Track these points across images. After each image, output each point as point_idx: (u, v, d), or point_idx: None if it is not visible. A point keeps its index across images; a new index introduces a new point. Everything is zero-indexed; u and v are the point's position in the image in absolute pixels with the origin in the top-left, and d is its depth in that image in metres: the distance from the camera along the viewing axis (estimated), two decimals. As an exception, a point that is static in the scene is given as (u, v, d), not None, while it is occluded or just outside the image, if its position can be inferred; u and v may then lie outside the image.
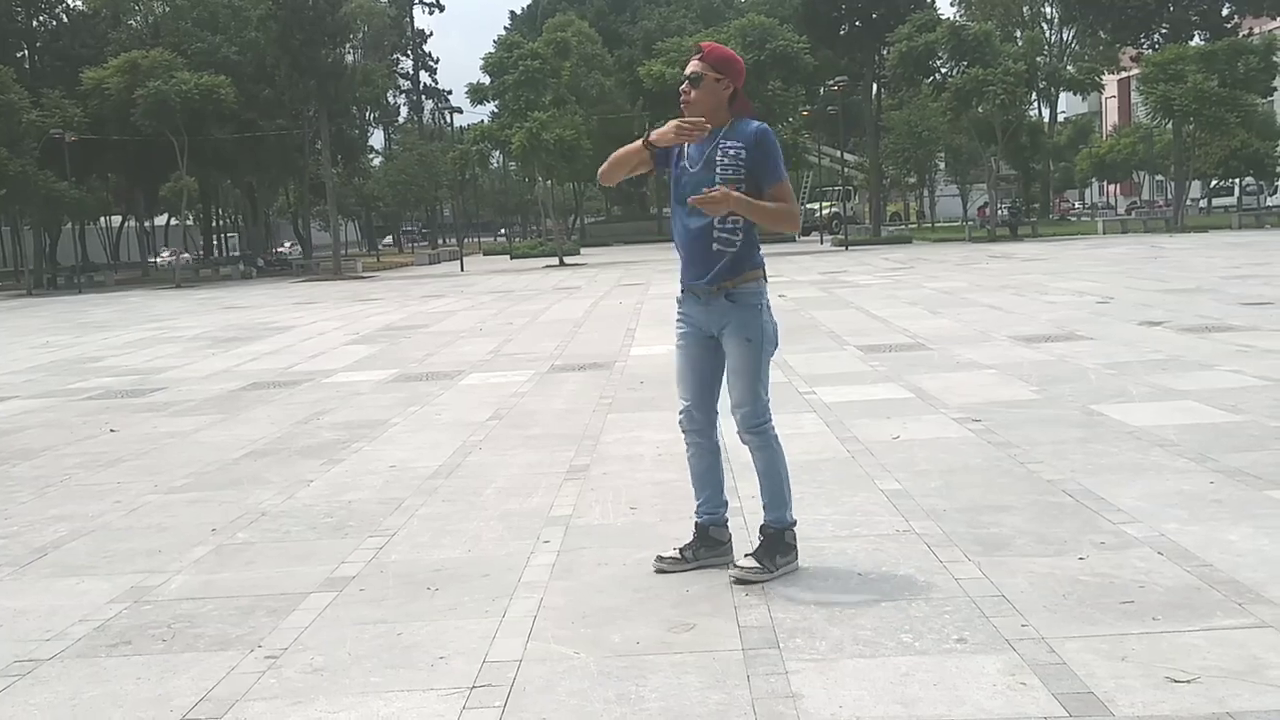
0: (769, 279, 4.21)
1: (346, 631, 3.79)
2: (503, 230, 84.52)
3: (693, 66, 4.12)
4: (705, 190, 3.92)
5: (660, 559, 4.26)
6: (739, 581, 4.03)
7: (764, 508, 4.17)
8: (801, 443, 6.35)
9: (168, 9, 44.94)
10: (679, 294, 4.26)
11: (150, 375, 11.84)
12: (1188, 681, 3.02)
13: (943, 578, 3.97)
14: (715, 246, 4.06)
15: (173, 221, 57.34)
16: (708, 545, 4.27)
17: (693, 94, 4.08)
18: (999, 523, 4.60)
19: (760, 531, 4.17)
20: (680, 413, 4.28)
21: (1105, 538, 4.32)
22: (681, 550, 4.26)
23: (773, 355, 4.19)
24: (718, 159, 4.03)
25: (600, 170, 4.29)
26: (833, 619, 3.63)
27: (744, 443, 4.18)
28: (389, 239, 76.34)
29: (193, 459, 7.04)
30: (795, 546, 4.17)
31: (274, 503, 5.70)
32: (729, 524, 4.34)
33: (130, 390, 10.72)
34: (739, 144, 4.03)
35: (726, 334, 4.11)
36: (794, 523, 4.18)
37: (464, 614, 3.89)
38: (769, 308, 4.16)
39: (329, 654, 3.59)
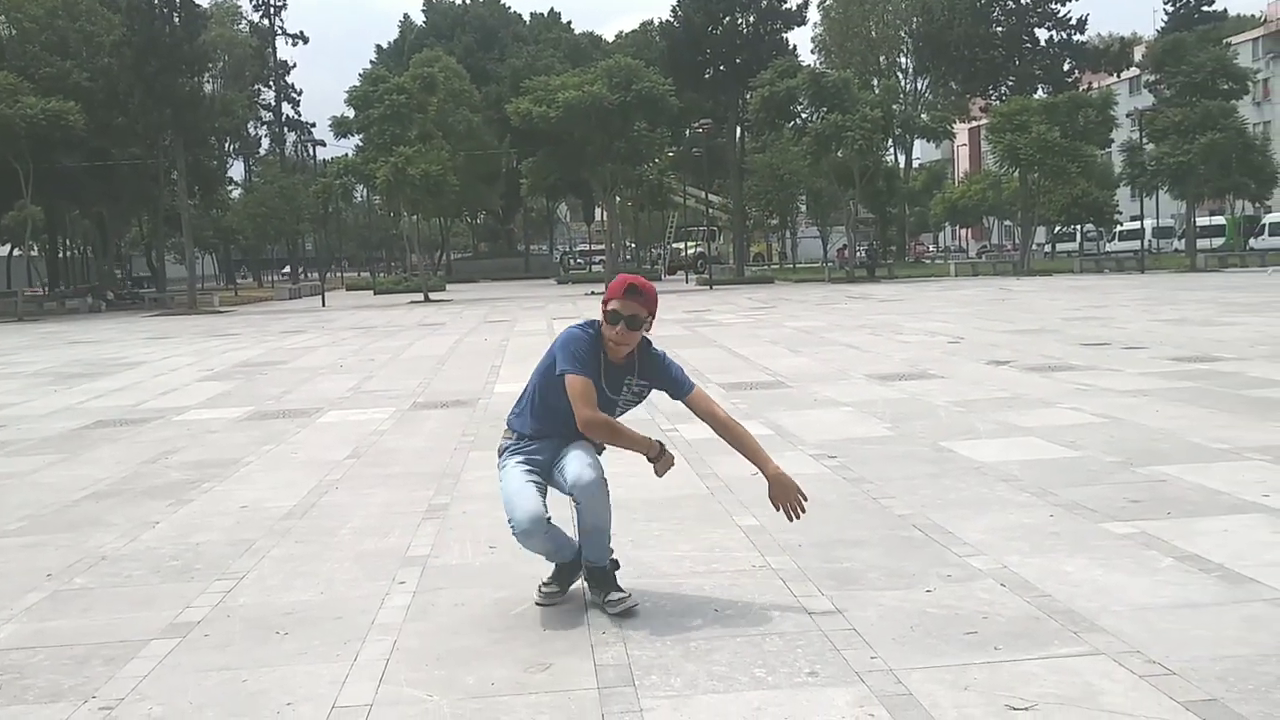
0: None
1: (188, 679, 3.64)
2: (349, 266, 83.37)
3: (631, 308, 4.07)
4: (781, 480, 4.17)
5: (545, 594, 4.28)
6: (624, 608, 4.09)
7: (591, 555, 4.21)
8: (662, 479, 6.37)
9: (14, 31, 43.14)
10: (521, 438, 4.23)
11: (-14, 413, 11.25)
12: (1026, 709, 3.12)
13: (796, 612, 4.04)
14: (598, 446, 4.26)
15: (15, 252, 54.80)
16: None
17: (631, 338, 4.13)
18: (852, 557, 4.70)
19: (591, 573, 4.24)
20: (518, 532, 4.03)
21: (952, 570, 4.46)
22: (556, 580, 4.32)
23: None
24: (624, 395, 4.23)
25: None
26: (688, 655, 3.65)
27: (586, 499, 4.08)
28: (244, 274, 74.47)
29: (29, 500, 6.70)
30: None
31: (116, 546, 5.46)
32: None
33: (-37, 429, 10.16)
34: (644, 382, 4.26)
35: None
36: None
37: (314, 658, 3.79)
38: None
39: (169, 703, 3.45)
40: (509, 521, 4.05)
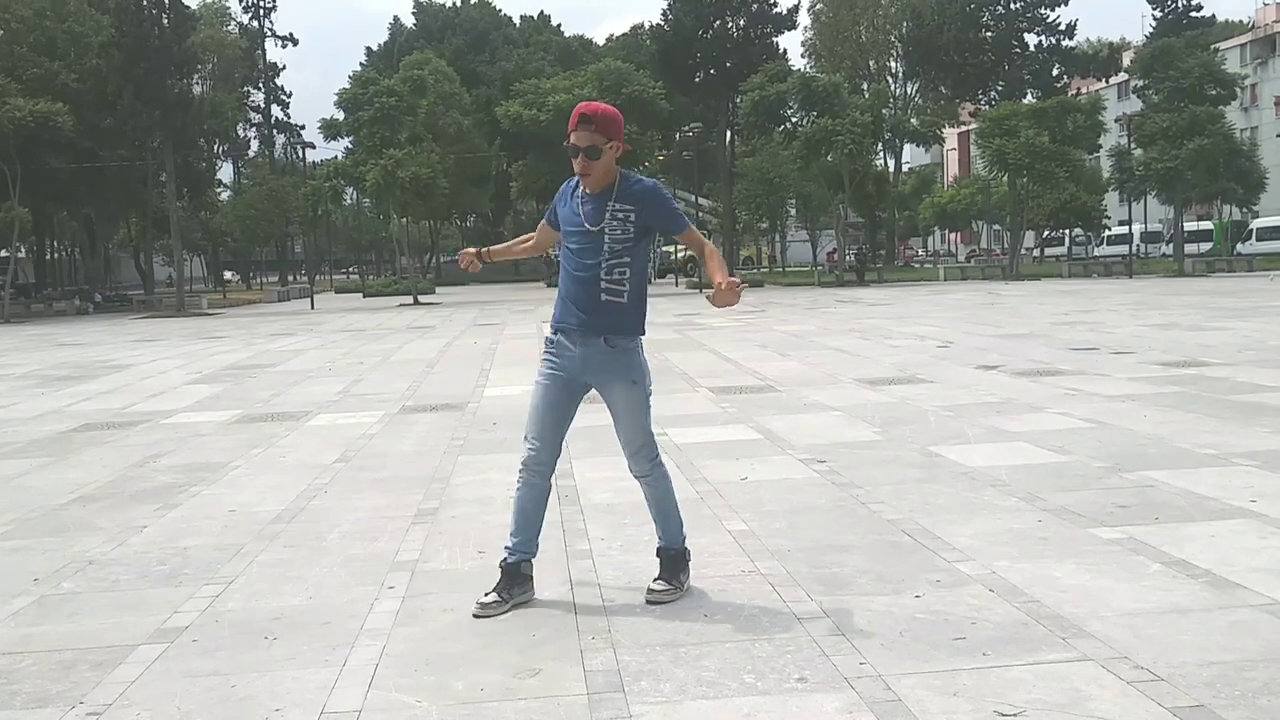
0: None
1: (176, 685, 3.63)
2: (350, 268, 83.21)
3: (586, 138, 4.05)
4: (721, 287, 3.99)
5: (482, 605, 4.21)
6: (655, 603, 4.21)
7: (661, 534, 4.39)
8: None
9: (1, 33, 42.97)
10: (550, 334, 4.28)
11: (-28, 415, 11.20)
12: (1014, 715, 3.13)
13: (786, 617, 4.04)
14: (603, 297, 4.16)
15: (3, 253, 54.58)
16: (519, 583, 4.29)
17: (592, 167, 4.08)
18: (841, 562, 4.71)
19: (660, 555, 4.38)
20: (529, 450, 4.26)
21: (940, 575, 4.46)
22: (499, 592, 4.25)
23: (650, 393, 4.35)
24: (607, 222, 4.12)
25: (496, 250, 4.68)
26: (678, 660, 3.65)
27: (640, 479, 4.33)
28: (231, 274, 74.31)
29: (15, 504, 6.67)
30: (689, 560, 4.42)
31: (103, 550, 5.44)
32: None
33: (-51, 431, 10.11)
34: (629, 206, 4.12)
35: (607, 382, 4.24)
36: (686, 539, 4.43)
37: (302, 663, 3.78)
38: (643, 348, 4.35)
39: (156, 709, 3.44)
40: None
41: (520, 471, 4.29)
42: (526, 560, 4.34)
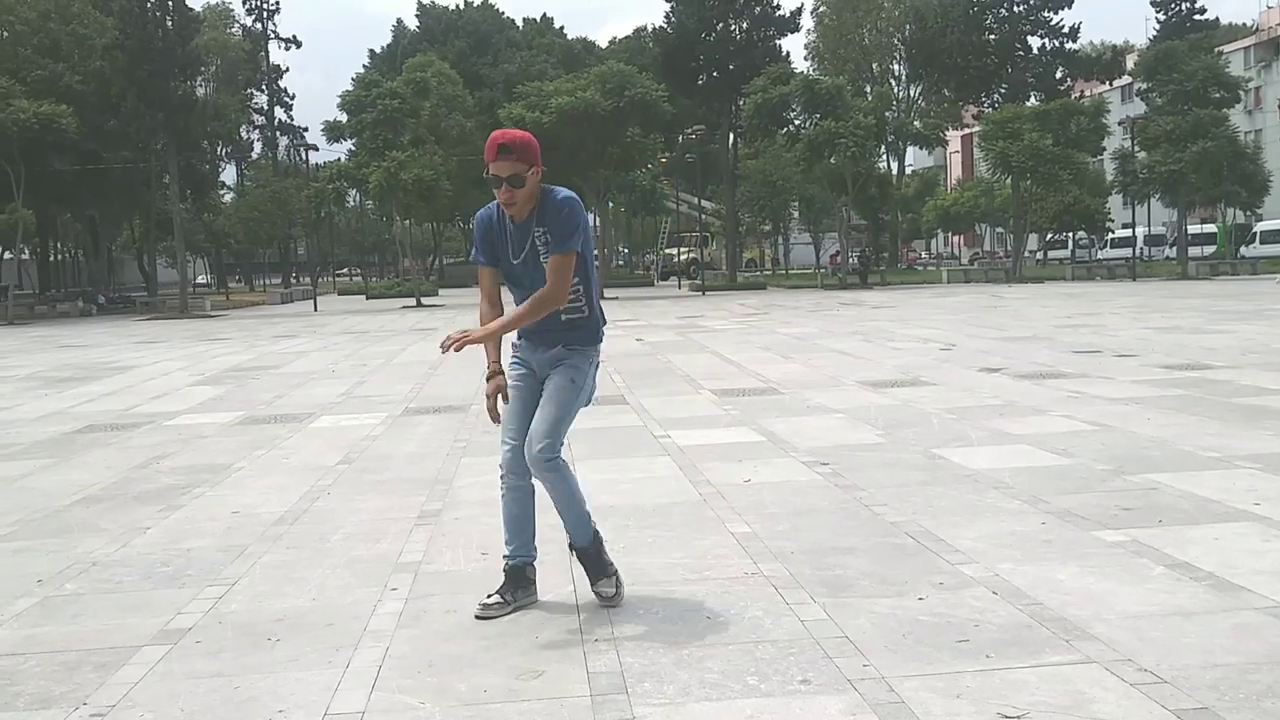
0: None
1: (179, 686, 3.63)
2: (345, 269, 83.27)
3: (507, 168, 4.01)
4: (451, 338, 3.94)
5: (484, 606, 4.22)
6: (607, 603, 4.22)
7: (571, 534, 4.29)
8: (655, 486, 6.40)
9: (5, 35, 43.03)
10: (515, 339, 4.30)
11: (-24, 417, 11.21)
12: (1017, 717, 3.13)
13: (789, 619, 4.04)
14: (564, 318, 4.18)
15: (6, 255, 54.65)
16: (522, 585, 4.31)
17: (516, 195, 4.04)
18: (844, 564, 4.71)
19: (580, 556, 4.30)
20: (506, 452, 4.22)
21: (944, 578, 4.46)
22: (502, 594, 4.27)
23: (583, 408, 4.30)
24: (538, 248, 4.11)
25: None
26: (680, 663, 3.65)
27: (538, 477, 4.17)
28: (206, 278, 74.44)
29: (18, 505, 6.68)
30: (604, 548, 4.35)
31: (106, 551, 5.45)
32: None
33: (-47, 433, 10.13)
34: (545, 229, 4.10)
35: (554, 373, 4.21)
36: (597, 532, 4.33)
37: (306, 665, 3.78)
38: (597, 369, 4.33)
39: (160, 710, 3.44)
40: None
41: (501, 479, 4.27)
42: (529, 563, 4.34)
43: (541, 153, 4.18)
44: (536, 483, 4.22)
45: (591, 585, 4.30)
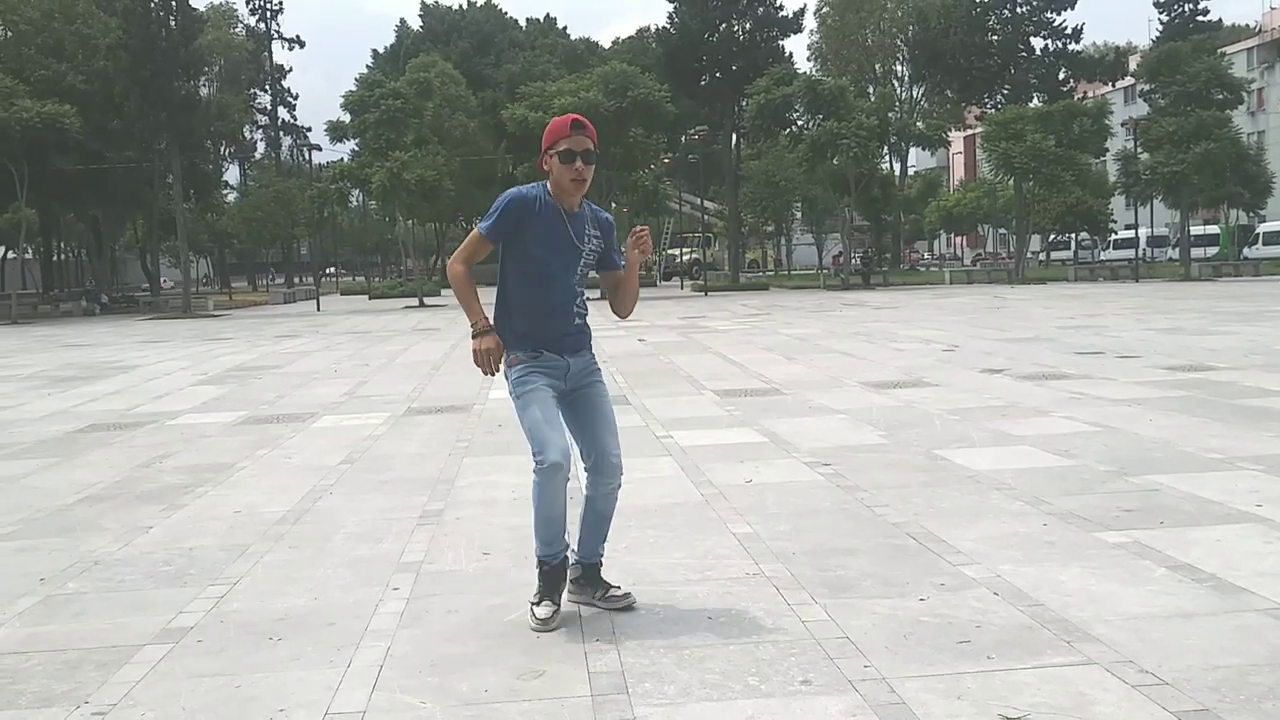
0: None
1: (181, 685, 3.64)
2: (342, 269, 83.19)
3: (586, 143, 3.99)
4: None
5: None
6: (630, 607, 4.21)
7: (590, 548, 4.29)
8: (657, 486, 6.40)
9: (9, 34, 43.09)
10: (526, 352, 4.09)
11: (-21, 416, 11.23)
12: (1018, 719, 3.13)
13: (790, 620, 4.04)
14: (575, 321, 4.18)
15: (10, 254, 54.72)
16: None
17: (588, 174, 4.01)
18: (845, 565, 4.71)
19: (586, 571, 4.30)
20: (564, 453, 3.94)
21: (945, 579, 4.46)
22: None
23: None
24: (587, 244, 4.10)
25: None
26: (681, 663, 3.65)
27: (616, 486, 4.19)
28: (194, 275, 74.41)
29: (21, 504, 6.69)
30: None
31: (109, 550, 5.46)
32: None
33: (-44, 432, 10.14)
34: (597, 233, 4.14)
35: (592, 383, 4.21)
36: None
37: (307, 664, 3.78)
38: None
39: (161, 709, 3.44)
40: (535, 455, 3.96)
41: (555, 474, 3.94)
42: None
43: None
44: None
45: (596, 597, 4.26)
